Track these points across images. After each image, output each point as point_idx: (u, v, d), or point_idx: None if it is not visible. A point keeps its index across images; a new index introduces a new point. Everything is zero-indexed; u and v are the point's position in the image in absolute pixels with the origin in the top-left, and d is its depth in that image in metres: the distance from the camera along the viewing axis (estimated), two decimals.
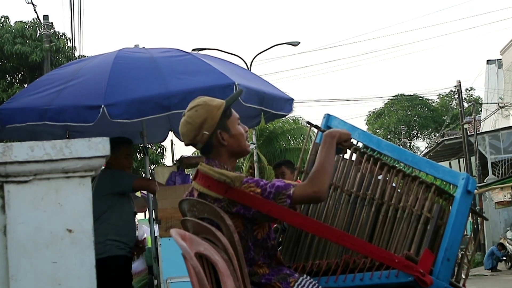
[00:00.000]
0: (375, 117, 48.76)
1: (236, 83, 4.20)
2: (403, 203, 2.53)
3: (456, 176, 2.49)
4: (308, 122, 2.89)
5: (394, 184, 2.62)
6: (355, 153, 2.73)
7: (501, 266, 19.05)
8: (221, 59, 5.35)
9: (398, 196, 2.55)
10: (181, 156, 5.02)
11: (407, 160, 2.65)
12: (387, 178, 2.61)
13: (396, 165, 2.66)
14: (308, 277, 2.46)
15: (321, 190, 2.31)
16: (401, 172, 2.60)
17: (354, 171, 2.70)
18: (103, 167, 4.70)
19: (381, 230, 2.55)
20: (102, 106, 4.00)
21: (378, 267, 2.42)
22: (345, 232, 2.53)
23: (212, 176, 2.37)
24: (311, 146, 2.88)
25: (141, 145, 4.97)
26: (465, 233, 2.60)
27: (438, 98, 47.39)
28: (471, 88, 44.90)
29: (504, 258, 18.83)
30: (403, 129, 44.13)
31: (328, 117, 2.92)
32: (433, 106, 47.80)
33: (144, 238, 5.91)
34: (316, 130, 2.87)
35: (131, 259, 4.81)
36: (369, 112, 49.42)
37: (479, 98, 37.78)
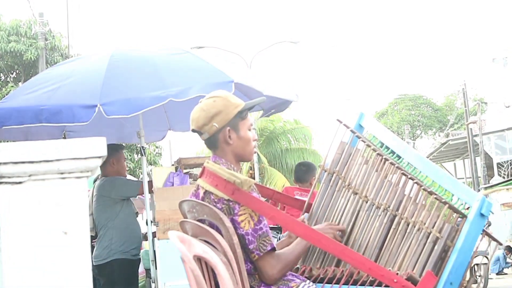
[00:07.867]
0: (378, 117, 48.76)
1: (235, 81, 4.16)
2: (415, 218, 2.46)
3: (472, 197, 2.40)
4: (338, 120, 2.85)
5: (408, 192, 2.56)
6: (380, 157, 2.68)
7: (506, 269, 18.89)
8: (220, 57, 5.33)
9: (411, 210, 2.50)
10: (179, 157, 5.00)
11: (430, 172, 2.58)
12: (405, 190, 2.55)
13: (412, 172, 2.61)
14: (311, 284, 2.43)
15: (277, 279, 2.34)
16: (419, 185, 2.53)
17: (374, 176, 2.66)
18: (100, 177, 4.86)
19: (391, 243, 2.51)
20: (98, 105, 3.96)
21: (380, 282, 2.36)
22: (346, 246, 2.49)
23: (221, 175, 2.35)
24: (338, 145, 2.83)
25: (139, 145, 4.96)
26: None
27: (444, 97, 47.34)
28: (476, 87, 44.90)
29: (510, 265, 18.50)
30: (406, 129, 44.06)
31: (361, 115, 2.89)
32: (437, 105, 47.75)
33: None
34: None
35: (136, 261, 4.84)
36: (372, 111, 49.48)
37: (484, 97, 37.69)
